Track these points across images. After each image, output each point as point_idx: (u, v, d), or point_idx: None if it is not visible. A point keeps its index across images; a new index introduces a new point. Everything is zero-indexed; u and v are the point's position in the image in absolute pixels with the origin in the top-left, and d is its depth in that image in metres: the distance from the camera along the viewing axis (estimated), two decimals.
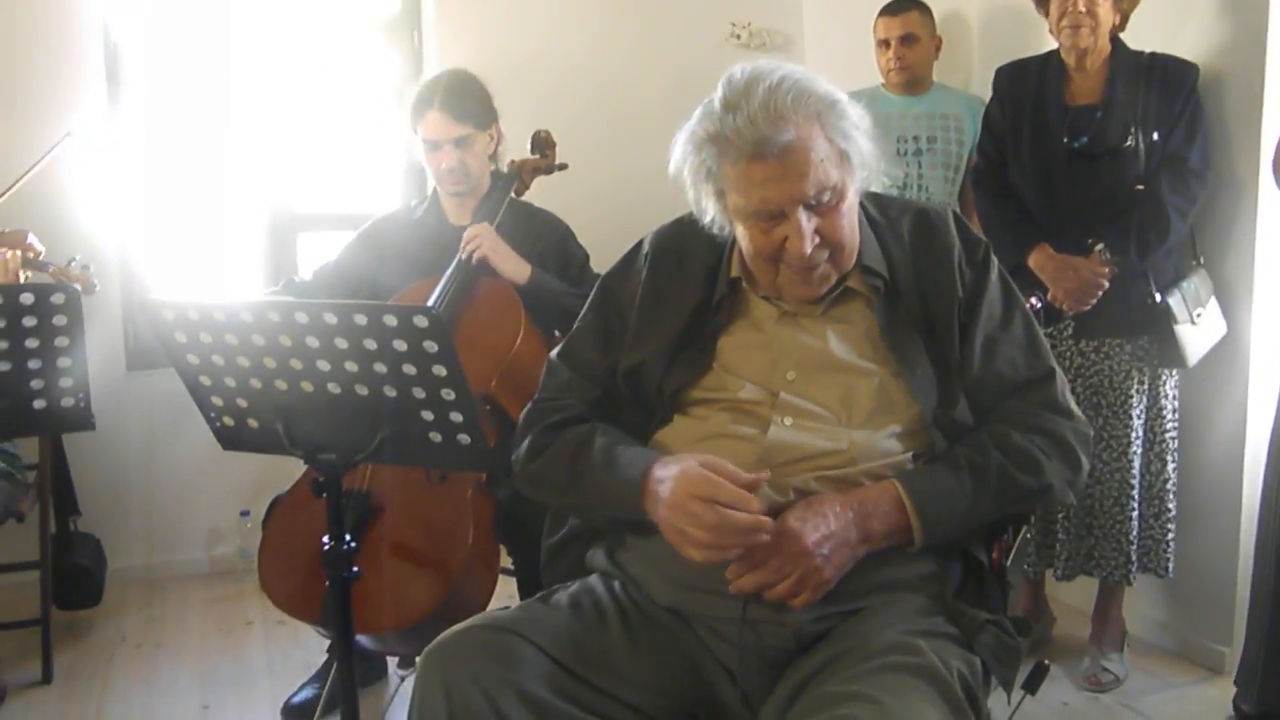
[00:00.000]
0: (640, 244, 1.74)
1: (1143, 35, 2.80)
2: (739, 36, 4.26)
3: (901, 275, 1.60)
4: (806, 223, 1.48)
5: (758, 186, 1.47)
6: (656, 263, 1.68)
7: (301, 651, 3.14)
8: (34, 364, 1.91)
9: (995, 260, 1.65)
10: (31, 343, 1.89)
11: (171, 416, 3.66)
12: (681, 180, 1.57)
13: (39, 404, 1.95)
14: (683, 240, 1.69)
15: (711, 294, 1.63)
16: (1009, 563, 1.58)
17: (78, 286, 2.16)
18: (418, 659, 2.89)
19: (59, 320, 1.90)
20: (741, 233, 1.55)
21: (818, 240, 1.50)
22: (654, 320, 1.64)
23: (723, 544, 1.39)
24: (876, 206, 1.66)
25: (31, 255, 2.82)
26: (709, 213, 1.58)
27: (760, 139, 1.44)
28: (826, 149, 1.47)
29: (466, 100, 2.66)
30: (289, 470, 2.45)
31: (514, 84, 2.88)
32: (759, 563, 1.41)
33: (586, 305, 1.75)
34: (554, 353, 1.75)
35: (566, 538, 1.72)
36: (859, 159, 1.51)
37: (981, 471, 1.49)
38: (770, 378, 1.56)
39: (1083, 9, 2.68)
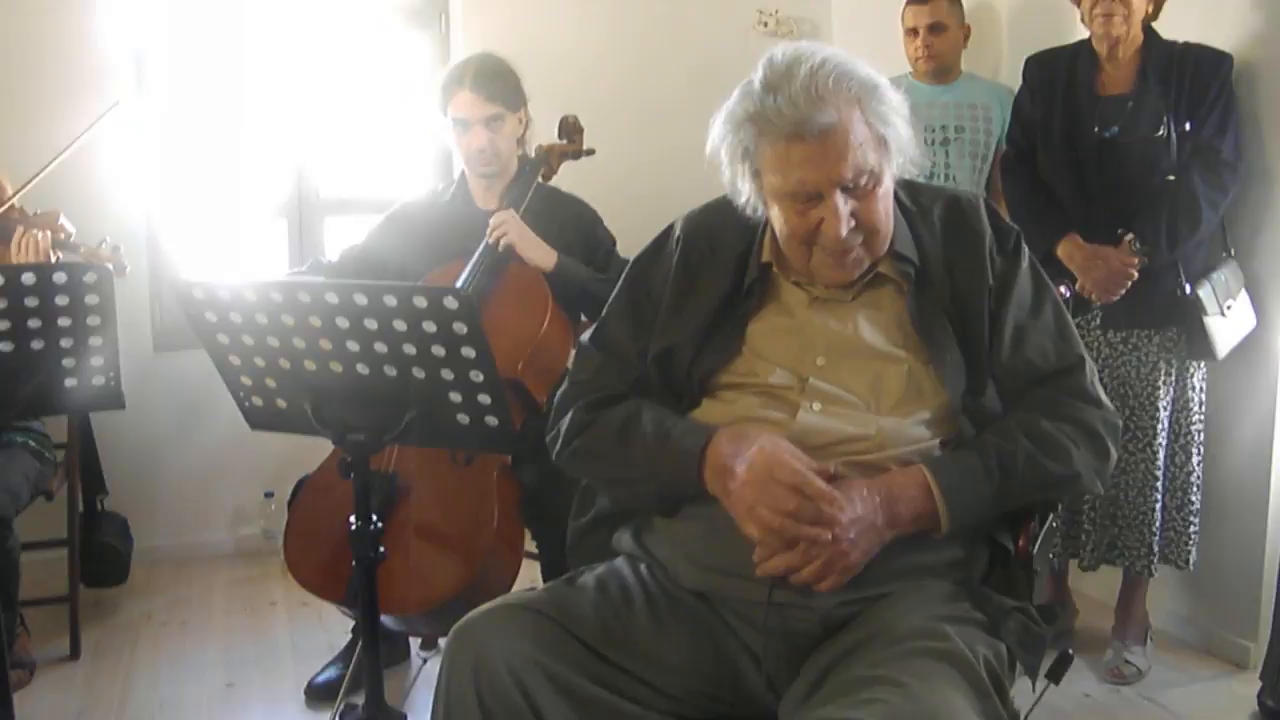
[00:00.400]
0: (671, 227, 1.74)
1: (1176, 25, 2.77)
2: (766, 24, 4.24)
3: (932, 262, 1.60)
4: (843, 205, 1.48)
5: (796, 167, 1.47)
6: (688, 246, 1.68)
7: (325, 632, 3.16)
8: (66, 343, 1.92)
9: (1026, 249, 1.64)
10: (64, 321, 1.90)
11: (197, 398, 3.68)
12: (718, 159, 1.57)
13: (70, 382, 1.96)
14: (714, 224, 1.69)
15: (743, 278, 1.63)
16: (1035, 550, 1.58)
17: (109, 266, 2.17)
18: (440, 640, 2.93)
19: (91, 300, 1.91)
20: (776, 214, 1.55)
21: (853, 224, 1.50)
22: (685, 304, 1.64)
23: (788, 533, 1.41)
24: (908, 193, 1.66)
25: (62, 236, 2.84)
26: (744, 193, 1.57)
27: (800, 119, 1.44)
28: (865, 132, 1.47)
29: (497, 81, 2.66)
30: (313, 452, 2.48)
31: (541, 70, 2.88)
32: (788, 546, 1.41)
33: (617, 288, 1.76)
34: (585, 336, 1.75)
35: (594, 519, 1.72)
36: (897, 144, 1.51)
37: (1009, 458, 1.49)
38: (800, 363, 1.56)
39: None
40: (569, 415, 1.66)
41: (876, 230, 1.53)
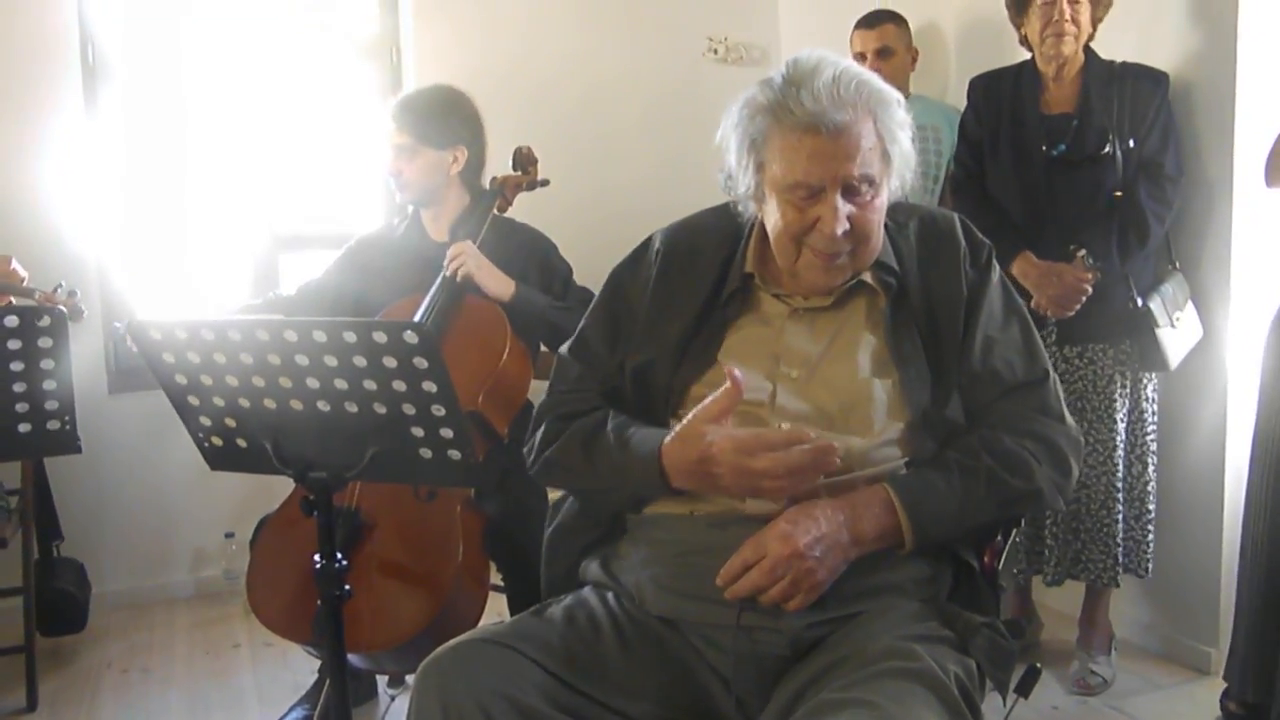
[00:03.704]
0: (650, 240, 1.75)
1: (1114, 45, 2.84)
2: (716, 50, 4.29)
3: (910, 274, 1.63)
4: (842, 206, 1.51)
5: (805, 159, 1.50)
6: (668, 258, 1.70)
7: (290, 673, 3.12)
8: (19, 387, 1.90)
9: (997, 264, 1.67)
10: (17, 365, 1.88)
11: (154, 440, 3.64)
12: (725, 146, 1.60)
13: (24, 427, 1.94)
14: (694, 237, 1.71)
15: (723, 288, 1.65)
16: (1000, 566, 1.59)
17: (63, 309, 2.14)
18: (408, 677, 2.89)
19: (44, 343, 1.89)
20: (772, 208, 1.57)
21: (848, 227, 1.52)
22: (664, 317, 1.66)
23: (804, 480, 1.44)
24: (887, 210, 1.68)
25: (15, 281, 2.80)
26: (742, 184, 1.60)
27: (820, 112, 1.48)
28: (874, 142, 1.52)
29: (419, 114, 2.68)
30: (273, 491, 2.45)
31: (493, 100, 2.89)
32: (770, 573, 1.42)
33: (595, 300, 1.77)
34: (564, 348, 1.77)
35: (567, 528, 1.72)
36: (900, 160, 1.55)
37: (972, 474, 1.51)
38: (773, 372, 1.57)
39: (1068, 17, 2.72)
40: (542, 427, 1.68)
41: (868, 239, 1.56)
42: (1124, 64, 2.80)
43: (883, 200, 1.56)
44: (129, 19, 3.77)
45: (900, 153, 1.55)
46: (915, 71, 3.52)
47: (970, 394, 1.60)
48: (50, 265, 3.21)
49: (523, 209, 2.88)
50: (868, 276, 1.61)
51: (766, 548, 1.42)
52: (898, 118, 1.55)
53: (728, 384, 1.47)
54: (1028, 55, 2.90)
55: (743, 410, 1.55)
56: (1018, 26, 2.88)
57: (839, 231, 1.51)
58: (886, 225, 1.65)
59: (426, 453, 1.63)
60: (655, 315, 1.67)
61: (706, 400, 1.50)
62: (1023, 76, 2.89)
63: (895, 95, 1.56)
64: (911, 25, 3.46)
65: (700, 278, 1.67)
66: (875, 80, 1.54)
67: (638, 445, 1.55)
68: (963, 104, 3.10)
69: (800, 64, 1.52)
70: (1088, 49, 2.82)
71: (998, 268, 1.67)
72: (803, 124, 1.49)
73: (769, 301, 1.65)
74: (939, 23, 3.68)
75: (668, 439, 1.52)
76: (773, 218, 1.58)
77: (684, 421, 1.52)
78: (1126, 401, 2.83)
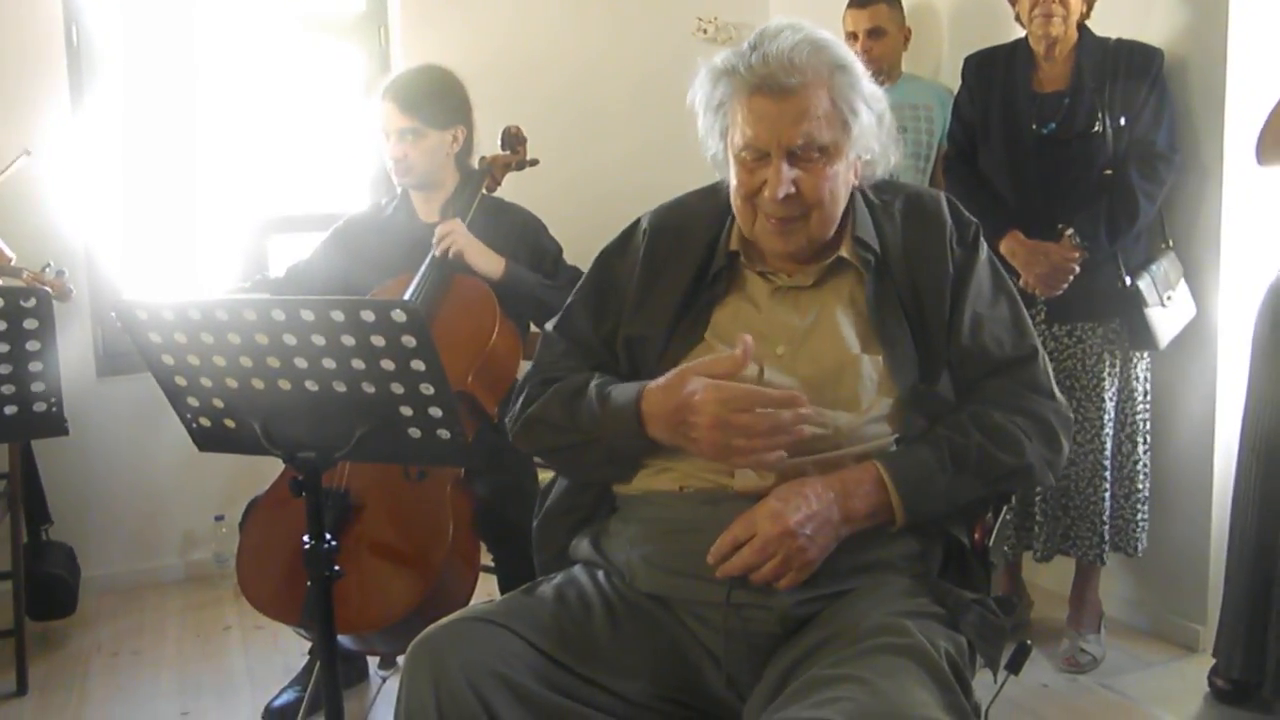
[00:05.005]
0: (638, 221, 1.76)
1: (1107, 22, 2.83)
2: (705, 30, 4.27)
3: (893, 252, 1.62)
4: (786, 170, 1.51)
5: (752, 121, 1.52)
6: (655, 238, 1.70)
7: (281, 655, 3.12)
8: (4, 369, 1.88)
9: (984, 242, 1.67)
10: (2, 347, 1.86)
11: (142, 422, 3.63)
12: (695, 109, 1.61)
13: (10, 409, 1.92)
14: (682, 218, 1.71)
15: (709, 267, 1.65)
16: (991, 543, 1.59)
17: (49, 290, 2.13)
18: (399, 658, 2.89)
19: (30, 324, 1.87)
20: (732, 172, 1.59)
21: (793, 190, 1.52)
22: (653, 294, 1.66)
23: (778, 444, 1.43)
24: (873, 188, 1.68)
25: (3, 261, 2.79)
26: (711, 148, 1.62)
27: (768, 75, 1.49)
28: (828, 108, 1.51)
29: (420, 96, 2.65)
30: (262, 473, 2.44)
31: (482, 80, 2.87)
32: (761, 551, 1.42)
33: (583, 279, 1.77)
34: (550, 324, 1.77)
35: (557, 512, 1.72)
36: (858, 129, 1.54)
37: (962, 450, 1.51)
38: (760, 351, 1.57)
39: None
40: (524, 393, 1.69)
41: (819, 204, 1.55)
42: (1118, 41, 2.79)
43: (838, 168, 1.55)
44: (115, 1, 3.74)
45: (862, 124, 1.55)
46: (908, 51, 3.50)
47: (959, 371, 1.60)
48: (38, 248, 3.19)
49: (511, 188, 2.87)
50: (846, 253, 1.61)
51: (757, 526, 1.42)
52: (861, 88, 1.54)
53: (737, 350, 1.46)
54: (1022, 33, 2.88)
55: None
56: (1012, 3, 2.87)
57: (780, 195, 1.52)
58: (871, 202, 1.66)
59: (415, 432, 1.62)
60: (643, 294, 1.67)
61: (708, 358, 1.51)
62: (1016, 55, 2.88)
63: (857, 67, 1.55)
64: (904, 4, 3.44)
65: (687, 257, 1.67)
66: (837, 49, 1.54)
67: (619, 394, 1.56)
68: (955, 84, 3.09)
69: (767, 29, 1.53)
70: (1082, 26, 2.81)
71: (985, 246, 1.67)
72: (750, 85, 1.51)
73: (754, 280, 1.65)
74: (932, 1, 3.66)
75: (652, 384, 1.53)
76: (732, 179, 1.60)
77: (673, 371, 1.52)
78: (1116, 380, 2.83)
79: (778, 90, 1.49)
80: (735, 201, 1.60)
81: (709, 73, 1.58)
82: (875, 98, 1.57)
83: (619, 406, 1.55)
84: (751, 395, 1.44)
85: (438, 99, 2.68)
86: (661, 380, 1.52)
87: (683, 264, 1.67)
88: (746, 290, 1.65)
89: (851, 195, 1.63)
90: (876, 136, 1.58)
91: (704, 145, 1.64)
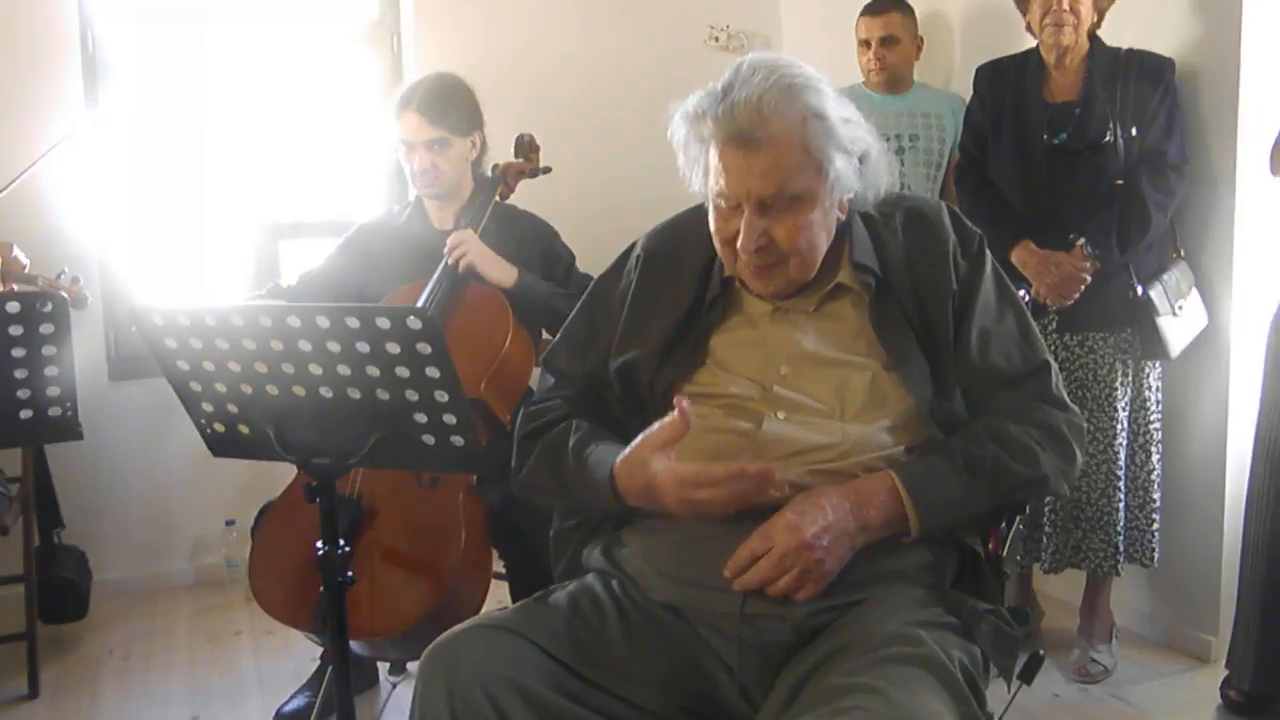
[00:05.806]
0: (633, 246, 1.76)
1: (1119, 32, 2.83)
2: (718, 39, 4.28)
3: (895, 269, 1.61)
4: (757, 221, 1.50)
5: (723, 172, 1.50)
6: (648, 264, 1.70)
7: (291, 661, 3.12)
8: (20, 373, 1.88)
9: (989, 253, 1.66)
10: (18, 352, 1.87)
11: (155, 427, 3.64)
12: (675, 144, 1.59)
13: (25, 414, 1.92)
14: (676, 241, 1.71)
15: (704, 293, 1.64)
16: (1005, 553, 1.59)
17: (65, 295, 2.13)
18: (410, 665, 2.89)
19: (46, 329, 1.87)
20: (710, 214, 1.59)
21: (765, 241, 1.51)
22: (646, 319, 1.66)
23: (748, 503, 1.44)
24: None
25: (17, 269, 2.80)
26: (695, 184, 1.60)
27: (738, 129, 1.46)
28: (799, 158, 1.48)
29: (445, 104, 2.65)
30: (274, 479, 2.45)
31: (495, 88, 2.87)
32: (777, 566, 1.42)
33: (575, 309, 1.78)
34: (543, 356, 1.78)
35: (575, 525, 1.73)
36: (834, 175, 1.51)
37: (977, 461, 1.50)
38: (763, 373, 1.57)
39: (1066, 7, 2.71)
40: (516, 445, 1.71)
41: (797, 252, 1.53)
42: (1129, 51, 2.78)
43: (814, 216, 1.52)
44: (129, 7, 3.76)
45: (838, 170, 1.50)
46: (920, 60, 3.51)
47: (971, 387, 1.59)
48: (51, 254, 3.20)
49: (524, 196, 2.87)
50: (845, 278, 1.60)
51: (774, 539, 1.42)
52: (837, 135, 1.50)
53: (674, 415, 1.46)
54: (1034, 43, 2.88)
55: (739, 406, 1.56)
56: (1023, 13, 2.87)
57: (751, 247, 1.51)
58: (872, 218, 1.64)
59: (429, 439, 1.63)
60: (636, 320, 1.67)
61: (654, 427, 1.49)
62: (1028, 64, 2.88)
63: (831, 112, 1.50)
64: (917, 13, 3.45)
65: (683, 281, 1.67)
66: (810, 94, 1.48)
67: (594, 467, 1.56)
68: (967, 93, 3.09)
69: (740, 71, 1.49)
70: (1094, 36, 2.81)
71: (990, 257, 1.66)
72: (722, 137, 1.49)
73: (752, 302, 1.64)
74: (945, 11, 3.66)
75: (618, 460, 1.53)
76: (710, 223, 1.59)
77: (631, 445, 1.52)
78: (1128, 390, 2.83)
79: (746, 142, 1.46)
80: (716, 243, 1.59)
81: (682, 117, 1.55)
82: (854, 140, 1.52)
83: (597, 481, 1.55)
84: (700, 477, 1.44)
85: (458, 106, 2.68)
86: (625, 456, 1.52)
87: (678, 288, 1.66)
88: (745, 312, 1.65)
89: (848, 218, 1.61)
90: (858, 178, 1.55)
91: (687, 181, 1.61)
